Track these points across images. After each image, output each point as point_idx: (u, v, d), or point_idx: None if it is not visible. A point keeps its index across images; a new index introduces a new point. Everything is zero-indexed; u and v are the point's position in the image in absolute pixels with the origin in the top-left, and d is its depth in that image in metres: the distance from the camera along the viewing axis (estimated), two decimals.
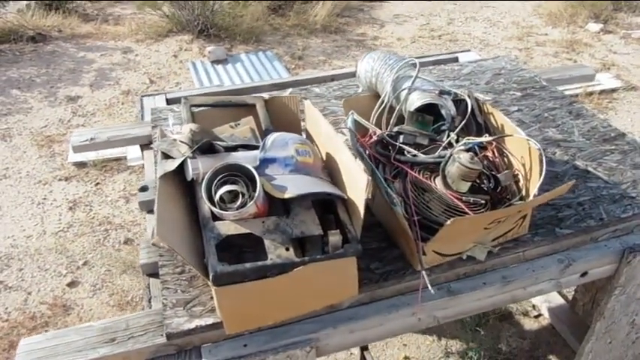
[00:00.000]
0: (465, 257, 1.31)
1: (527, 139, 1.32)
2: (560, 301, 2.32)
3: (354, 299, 1.27)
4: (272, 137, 1.26)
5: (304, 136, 1.49)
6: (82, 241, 2.80)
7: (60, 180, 3.25)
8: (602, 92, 4.11)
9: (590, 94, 4.05)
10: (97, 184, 3.20)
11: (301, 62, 4.70)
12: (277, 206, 1.19)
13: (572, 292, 2.24)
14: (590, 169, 1.64)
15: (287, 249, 1.12)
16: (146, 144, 1.93)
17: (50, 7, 5.45)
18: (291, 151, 1.23)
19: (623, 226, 1.47)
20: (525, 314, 2.38)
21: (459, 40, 5.28)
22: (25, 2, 5.53)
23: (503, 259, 1.38)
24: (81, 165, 3.33)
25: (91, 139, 1.93)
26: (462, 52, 2.84)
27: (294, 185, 1.17)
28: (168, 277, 1.27)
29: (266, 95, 1.54)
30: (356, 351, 2.07)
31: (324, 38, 5.23)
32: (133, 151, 3.15)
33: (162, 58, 4.75)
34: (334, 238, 1.14)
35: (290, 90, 2.11)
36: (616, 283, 1.52)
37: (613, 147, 1.74)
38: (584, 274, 1.47)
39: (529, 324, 2.35)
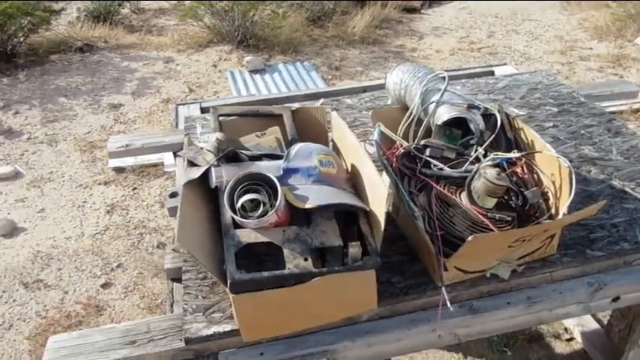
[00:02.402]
0: (488, 275, 1.29)
1: (557, 157, 1.28)
2: (595, 325, 2.23)
3: (374, 312, 1.26)
4: (296, 147, 1.27)
5: (331, 147, 1.49)
6: (117, 243, 2.88)
7: (99, 184, 3.35)
8: None
9: (637, 111, 3.91)
10: (135, 188, 3.29)
11: (338, 73, 4.72)
12: (299, 216, 1.20)
13: (608, 317, 2.15)
14: (627, 189, 1.58)
15: (306, 259, 1.12)
16: (179, 151, 1.97)
17: (98, 19, 5.66)
18: (314, 162, 1.24)
19: None
20: (557, 337, 2.30)
21: (499, 54, 5.20)
22: (75, 15, 5.77)
23: (529, 279, 1.34)
24: (120, 170, 3.42)
25: (126, 145, 1.98)
26: (498, 65, 2.79)
27: (315, 196, 1.17)
28: (191, 283, 1.29)
29: (294, 106, 1.55)
30: None
31: (362, 49, 5.24)
32: (169, 157, 3.22)
33: (201, 68, 4.85)
34: (354, 250, 1.14)
35: (322, 100, 2.12)
36: None
37: None
38: (616, 299, 1.41)
39: (560, 347, 2.27)
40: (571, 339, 2.31)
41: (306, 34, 5.42)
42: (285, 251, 1.12)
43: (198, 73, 4.76)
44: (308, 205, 1.14)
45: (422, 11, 6.34)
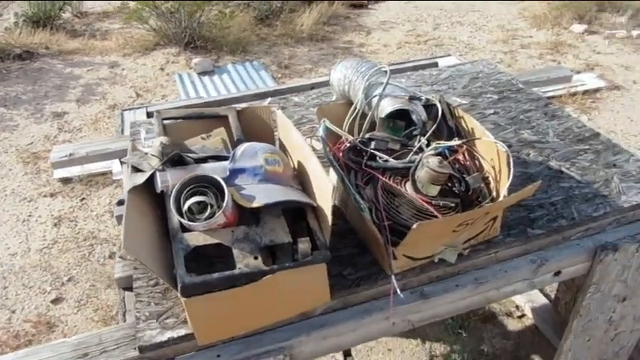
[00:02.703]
0: (436, 260, 1.32)
1: (495, 142, 1.33)
2: (543, 300, 2.33)
3: (327, 306, 1.27)
4: (242, 148, 1.27)
5: (277, 145, 1.50)
6: (66, 257, 2.80)
7: (45, 196, 3.25)
8: (585, 92, 4.14)
9: (574, 94, 4.08)
10: (83, 199, 3.20)
11: (288, 71, 4.72)
12: (247, 216, 1.20)
13: (555, 292, 2.25)
14: (563, 169, 1.65)
15: (256, 258, 1.12)
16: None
17: (38, 24, 5.47)
18: (260, 161, 1.24)
19: (595, 224, 1.48)
20: (509, 315, 2.38)
21: (445, 45, 5.32)
22: (13, 20, 5.54)
23: (476, 261, 1.39)
24: (66, 181, 3.33)
25: (70, 154, 1.94)
26: (442, 56, 2.86)
27: (263, 194, 1.18)
28: (142, 290, 1.28)
29: (239, 106, 1.55)
30: (340, 358, 2.08)
31: (311, 47, 5.26)
32: (117, 165, 3.16)
33: (148, 72, 4.76)
34: (303, 245, 1.16)
35: (269, 99, 2.12)
36: (590, 282, 1.53)
37: (587, 147, 1.75)
38: (557, 274, 1.48)
39: (512, 324, 2.36)
40: (522, 315, 2.40)
41: (254, 33, 5.39)
42: (235, 251, 1.13)
43: (145, 77, 4.67)
44: (255, 204, 1.14)
45: (369, 6, 6.41)
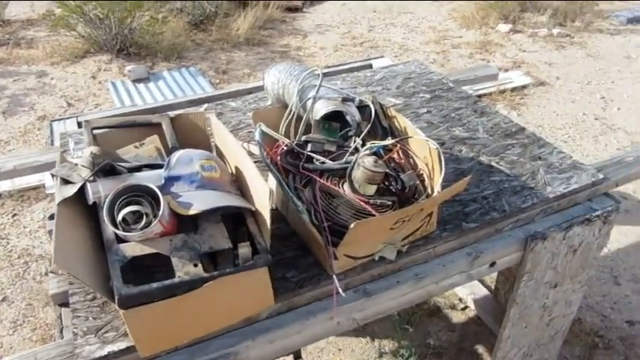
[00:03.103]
0: (377, 258, 1.35)
1: (427, 140, 1.38)
2: (484, 291, 2.42)
3: (272, 309, 1.28)
4: (177, 155, 1.26)
5: (214, 151, 1.49)
6: None
7: None
8: (514, 89, 4.34)
9: (503, 91, 4.27)
10: (14, 215, 3.05)
11: (226, 76, 4.68)
12: (186, 223, 1.19)
13: (495, 283, 2.34)
14: (493, 163, 1.73)
15: (195, 265, 1.11)
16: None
17: None
18: (196, 168, 1.23)
19: (524, 215, 1.56)
20: (453, 307, 2.46)
21: (380, 47, 5.43)
22: None
23: (415, 257, 1.43)
24: None
25: None
26: (376, 58, 2.92)
27: (200, 201, 1.17)
28: (79, 305, 1.24)
29: (173, 113, 1.52)
30: None
31: (248, 51, 5.24)
32: (50, 178, 3.03)
33: (79, 80, 4.59)
34: (243, 250, 1.15)
35: (205, 105, 2.10)
36: (523, 270, 1.61)
37: (514, 141, 1.84)
38: (492, 265, 1.54)
39: (457, 317, 2.44)
40: (465, 307, 2.49)
41: (189, 38, 5.31)
42: (174, 260, 1.11)
43: (76, 86, 4.50)
44: (192, 211, 1.13)
45: (304, 10, 6.45)
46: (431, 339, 2.30)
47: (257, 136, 1.40)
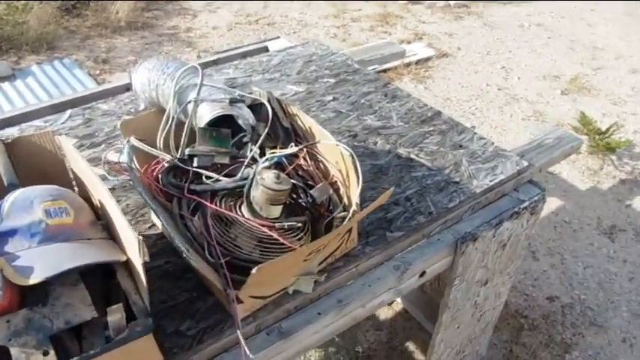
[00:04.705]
0: (291, 292, 1.11)
1: (337, 144, 1.15)
2: None
3: None
4: (10, 199, 0.93)
5: (72, 179, 1.17)
6: None
7: None
8: (418, 62, 4.23)
9: (408, 64, 4.14)
10: None
11: (107, 66, 4.18)
12: (33, 292, 0.88)
13: None
14: (412, 156, 1.54)
15: (46, 353, 0.81)
16: None
17: None
18: (38, 214, 0.91)
19: (452, 215, 1.38)
20: None
21: (277, 23, 5.12)
22: None
23: (337, 280, 1.21)
24: None
25: None
26: (271, 39, 2.64)
27: (45, 262, 0.86)
28: None
29: (7, 134, 1.17)
30: None
31: (131, 36, 4.72)
32: None
33: None
34: (114, 317, 0.87)
35: (70, 112, 1.73)
36: (454, 275, 1.44)
37: (431, 128, 1.66)
38: (422, 274, 1.36)
39: (384, 313, 2.28)
40: (391, 302, 2.33)
41: (61, 26, 4.69)
42: (14, 350, 0.80)
43: None
44: (33, 280, 0.82)
45: None
46: (359, 346, 2.12)
47: (125, 158, 1.10)
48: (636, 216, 2.96)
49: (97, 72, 4.07)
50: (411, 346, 2.16)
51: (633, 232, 2.85)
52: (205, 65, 2.04)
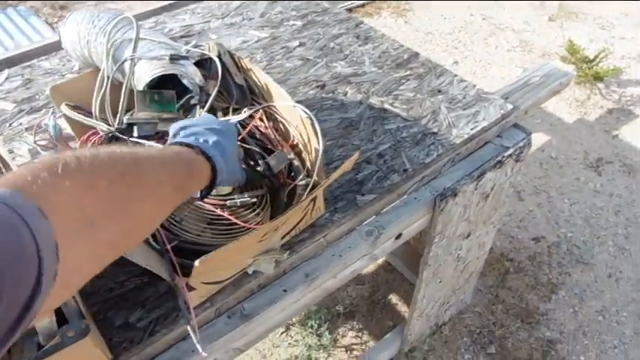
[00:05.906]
0: (251, 272, 1.01)
1: (295, 105, 1.01)
2: None
3: None
4: None
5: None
6: None
7: None
8: None
9: None
10: None
11: (66, 12, 3.90)
12: None
13: None
14: (386, 105, 1.40)
15: None
16: None
17: None
18: None
19: (429, 171, 1.26)
20: None
21: None
22: None
23: (303, 254, 1.10)
24: None
25: None
26: None
27: None
28: None
29: None
30: None
31: None
32: None
33: None
34: (42, 322, 0.77)
35: (7, 72, 1.56)
36: (434, 233, 1.34)
37: (408, 72, 1.51)
38: (398, 237, 1.26)
39: (366, 268, 2.21)
40: None
41: None
42: None
43: None
44: None
45: None
46: (339, 302, 2.06)
47: (51, 130, 0.96)
48: (623, 147, 2.87)
49: (56, 20, 3.80)
50: (394, 298, 2.10)
51: (620, 164, 2.77)
52: (158, 12, 1.84)
